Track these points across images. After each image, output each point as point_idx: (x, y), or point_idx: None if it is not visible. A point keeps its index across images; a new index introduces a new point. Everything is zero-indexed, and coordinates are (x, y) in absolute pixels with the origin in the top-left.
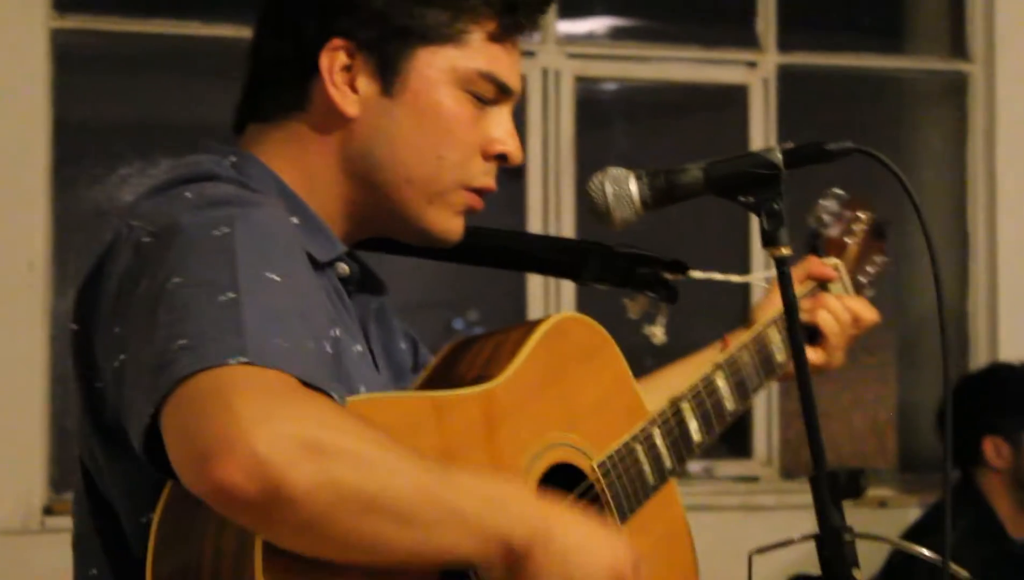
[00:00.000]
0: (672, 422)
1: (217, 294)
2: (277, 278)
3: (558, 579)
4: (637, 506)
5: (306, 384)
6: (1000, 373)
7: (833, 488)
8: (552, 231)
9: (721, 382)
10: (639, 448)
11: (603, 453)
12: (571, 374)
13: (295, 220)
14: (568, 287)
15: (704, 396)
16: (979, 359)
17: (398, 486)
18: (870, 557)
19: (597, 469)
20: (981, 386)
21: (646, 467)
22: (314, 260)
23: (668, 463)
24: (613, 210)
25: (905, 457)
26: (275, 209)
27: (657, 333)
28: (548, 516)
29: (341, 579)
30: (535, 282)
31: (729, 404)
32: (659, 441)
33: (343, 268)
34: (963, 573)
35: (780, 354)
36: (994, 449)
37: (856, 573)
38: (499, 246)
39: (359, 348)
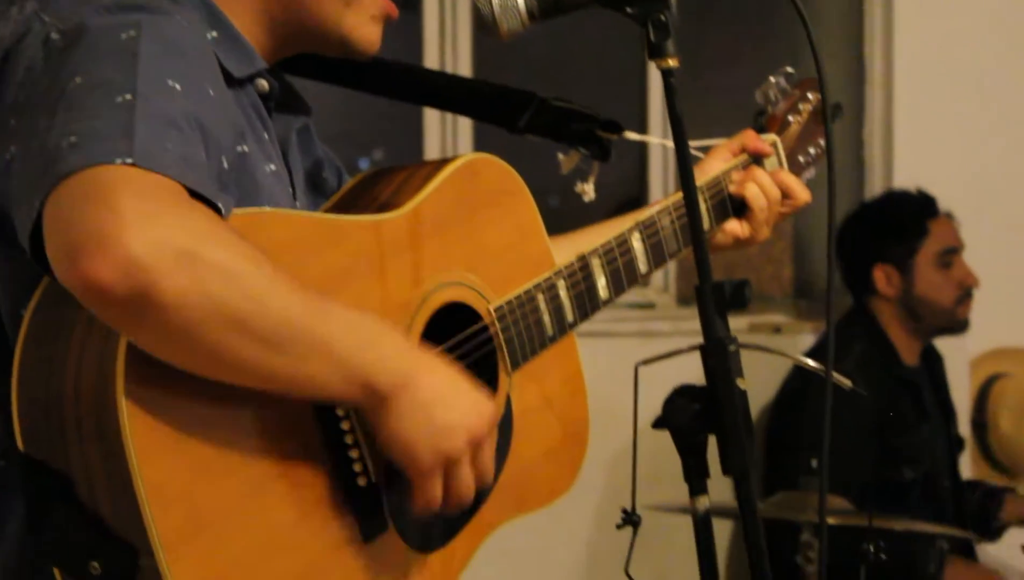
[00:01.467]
0: (579, 276)
1: (114, 95)
2: (178, 87)
3: (417, 428)
4: (531, 355)
5: (193, 194)
6: (893, 201)
7: (718, 299)
8: (448, 64)
9: (636, 243)
10: (540, 297)
11: (502, 298)
12: (478, 215)
13: (214, 33)
14: (464, 135)
15: (616, 254)
16: (875, 188)
17: (270, 309)
18: (763, 390)
19: (493, 312)
20: (874, 214)
21: (545, 317)
22: (230, 75)
23: (570, 317)
24: (500, 21)
25: (800, 284)
26: (189, 20)
27: (588, 190)
28: (417, 364)
29: (203, 396)
30: (432, 125)
31: (642, 266)
32: (563, 293)
33: (262, 84)
34: (845, 382)
35: (704, 222)
36: (885, 277)
37: (740, 382)
38: (436, 86)
39: (272, 167)
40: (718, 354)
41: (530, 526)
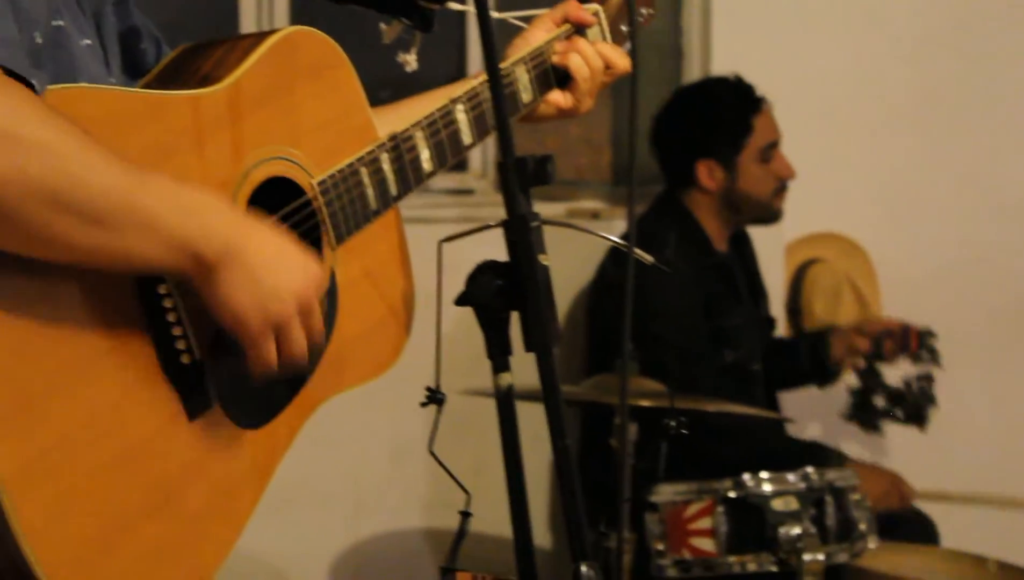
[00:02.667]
0: (402, 149)
1: None
2: None
3: (246, 294)
4: (355, 229)
5: (6, 72)
6: (715, 93)
7: (521, 175)
8: None
9: (460, 115)
10: (363, 171)
11: (325, 172)
12: (299, 89)
13: None
14: (281, 9)
15: (440, 127)
16: (692, 75)
17: (90, 184)
18: (584, 274)
19: (316, 187)
20: (697, 106)
21: (369, 191)
22: None
23: (394, 190)
24: None
25: (618, 171)
26: None
27: (410, 61)
28: (243, 231)
29: (21, 274)
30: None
31: (466, 138)
32: (386, 166)
33: None
34: (648, 258)
35: (526, 94)
36: (708, 172)
37: (543, 258)
38: None
39: (88, 41)
40: (520, 230)
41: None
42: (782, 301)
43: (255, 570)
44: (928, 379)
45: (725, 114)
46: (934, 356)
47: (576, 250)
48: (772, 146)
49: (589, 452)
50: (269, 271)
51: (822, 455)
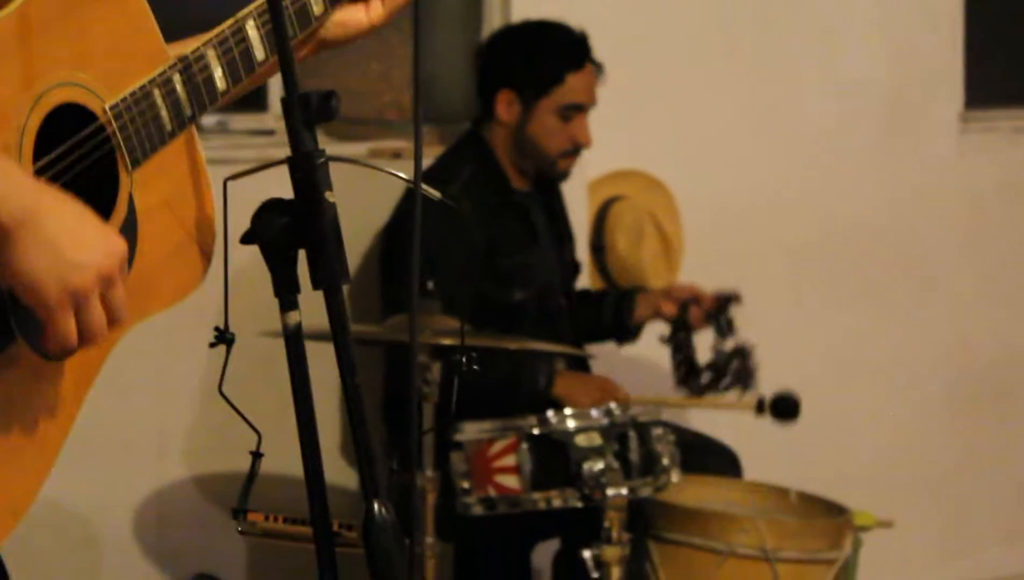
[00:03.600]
0: (194, 68)
1: None
2: None
3: (43, 265)
4: (151, 152)
5: None
6: (547, 34)
7: (305, 110)
8: None
9: (252, 31)
10: (156, 92)
11: (117, 96)
12: (86, 11)
13: None
14: None
15: (232, 44)
16: (493, 16)
17: None
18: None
19: (109, 111)
20: (523, 39)
21: (163, 113)
22: None
23: (188, 110)
24: None
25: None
26: None
27: None
28: (39, 199)
29: None
30: None
31: (259, 53)
32: (179, 87)
33: None
34: (435, 194)
35: (317, 6)
36: (506, 104)
37: (328, 195)
38: None
39: None
40: (305, 167)
41: (142, 351)
42: (586, 239)
43: (59, 518)
44: (743, 354)
45: (545, 55)
46: (729, 326)
47: (379, 190)
48: (576, 108)
49: (395, 393)
50: (69, 243)
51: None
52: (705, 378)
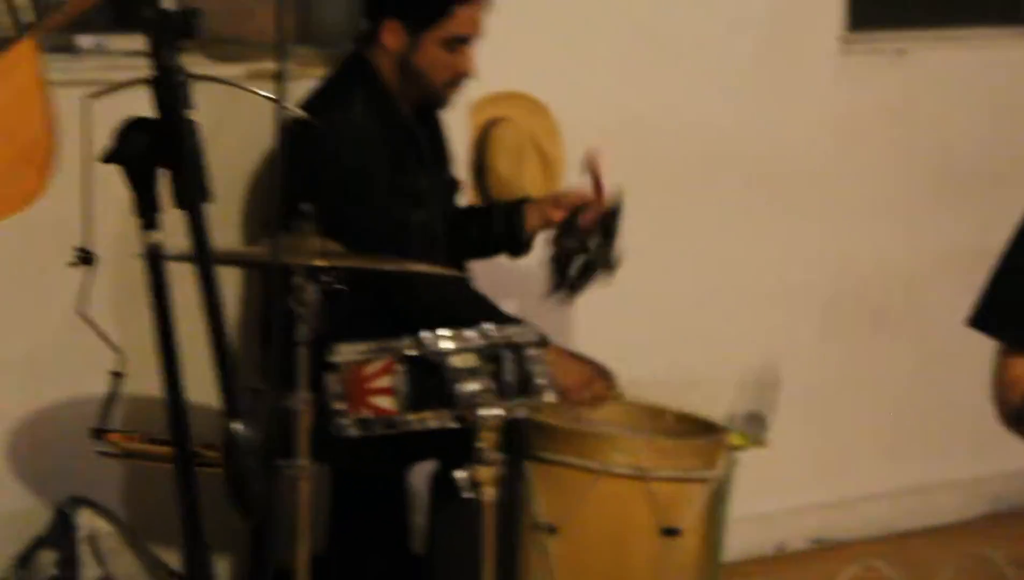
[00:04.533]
0: None
1: None
2: None
3: None
4: None
5: None
6: None
7: (167, 28)
8: None
9: None
10: None
11: None
12: None
13: None
14: None
15: None
16: None
17: None
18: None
19: None
20: None
21: None
22: None
23: (27, 17)
24: None
25: (302, 31)
26: None
27: None
28: None
29: None
30: None
31: None
32: None
33: None
34: (301, 113)
35: None
36: (392, 32)
37: (191, 114)
38: None
39: None
40: (166, 85)
41: (15, 273)
42: (466, 160)
43: None
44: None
45: None
46: (612, 231)
47: (264, 113)
48: (462, 41)
49: (274, 315)
50: None
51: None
52: (571, 282)
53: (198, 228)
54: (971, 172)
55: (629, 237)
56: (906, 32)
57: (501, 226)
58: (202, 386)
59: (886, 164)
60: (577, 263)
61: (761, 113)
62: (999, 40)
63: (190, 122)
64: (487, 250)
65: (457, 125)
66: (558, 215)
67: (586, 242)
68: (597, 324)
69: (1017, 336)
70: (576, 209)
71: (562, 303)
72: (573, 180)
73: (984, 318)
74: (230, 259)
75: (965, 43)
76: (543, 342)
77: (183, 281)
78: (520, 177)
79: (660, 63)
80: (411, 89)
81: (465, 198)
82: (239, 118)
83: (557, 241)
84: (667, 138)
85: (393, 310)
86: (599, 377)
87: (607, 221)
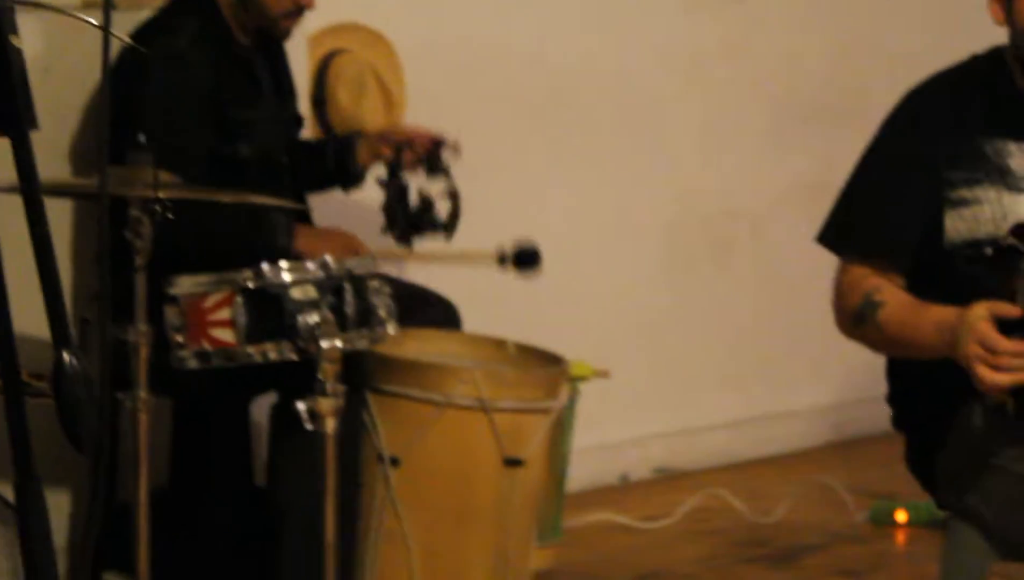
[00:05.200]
0: None
1: None
2: None
3: None
4: None
5: None
6: None
7: None
8: None
9: None
10: None
11: None
12: None
13: None
14: None
15: None
16: None
17: None
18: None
19: None
20: None
21: None
22: None
23: None
24: None
25: None
26: None
27: None
28: None
29: None
30: None
31: None
32: None
33: None
34: (127, 40)
35: None
36: None
37: (14, 40)
38: None
39: None
40: None
41: None
42: (307, 93)
43: None
44: (452, 197)
45: None
46: (438, 168)
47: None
48: None
49: (114, 247)
50: None
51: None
52: (408, 222)
53: (24, 155)
54: (814, 107)
55: (476, 170)
56: None
57: (332, 160)
58: (33, 316)
59: (729, 99)
60: (408, 206)
61: (606, 46)
62: None
63: (14, 48)
64: (321, 183)
65: (299, 57)
66: (386, 150)
67: (399, 180)
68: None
69: (858, 250)
70: (402, 145)
71: (400, 243)
72: (414, 111)
73: (829, 235)
74: (60, 191)
75: None
76: (291, 234)
77: (12, 212)
78: (360, 109)
79: None
80: (249, 20)
81: (307, 131)
82: (77, 49)
83: (386, 179)
84: (510, 70)
85: (247, 243)
86: (355, 245)
87: (432, 159)
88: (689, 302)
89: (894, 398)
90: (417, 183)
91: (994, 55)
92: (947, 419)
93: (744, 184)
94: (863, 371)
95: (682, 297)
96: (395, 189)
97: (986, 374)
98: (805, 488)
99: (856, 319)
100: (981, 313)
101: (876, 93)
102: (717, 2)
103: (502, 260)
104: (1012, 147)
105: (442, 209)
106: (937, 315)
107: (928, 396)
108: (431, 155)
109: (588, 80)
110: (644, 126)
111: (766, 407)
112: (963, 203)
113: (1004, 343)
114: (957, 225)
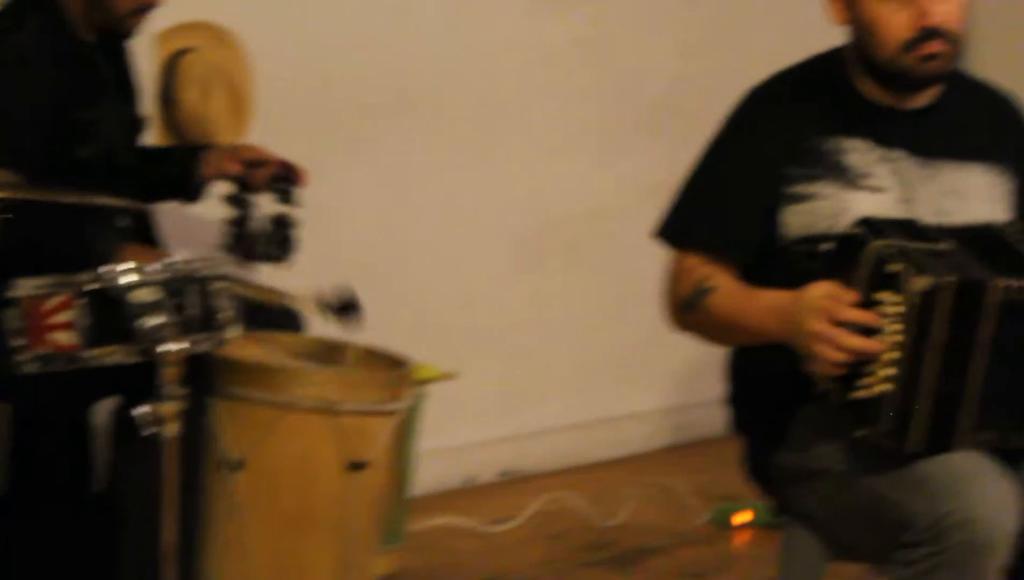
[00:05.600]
0: None
1: None
2: None
3: None
4: None
5: None
6: None
7: None
8: None
9: None
10: None
11: None
12: None
13: None
14: None
15: None
16: None
17: None
18: None
19: None
20: None
21: None
22: None
23: None
24: None
25: None
26: None
27: None
28: None
29: None
30: None
31: None
32: None
33: None
34: None
35: None
36: None
37: None
38: None
39: None
40: None
41: None
42: (154, 92)
43: None
44: (286, 223)
45: None
46: (287, 195)
47: None
48: None
49: None
50: None
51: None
52: (246, 244)
53: None
54: (661, 107)
55: (320, 169)
56: None
57: (176, 169)
58: None
59: (577, 99)
60: (252, 228)
61: (453, 47)
62: None
63: None
64: (161, 193)
65: (144, 55)
66: (234, 167)
67: (245, 200)
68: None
69: (694, 243)
70: (252, 163)
71: (241, 264)
72: (262, 111)
73: (665, 229)
74: None
75: None
76: (114, 248)
77: None
78: (208, 110)
79: None
80: (94, 16)
81: (152, 132)
82: None
83: (231, 197)
84: (359, 70)
85: (71, 252)
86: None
87: (281, 183)
88: (537, 304)
89: (733, 400)
90: (263, 206)
91: (833, 55)
92: (784, 422)
93: (592, 184)
94: (707, 373)
95: (529, 299)
96: (240, 208)
97: (824, 350)
98: (649, 491)
99: (686, 306)
100: (823, 291)
101: (723, 93)
102: (564, 1)
103: (323, 309)
104: (849, 144)
105: (279, 235)
106: (769, 298)
107: (766, 399)
108: (279, 179)
109: (436, 80)
110: (492, 127)
111: (611, 410)
112: (801, 198)
113: (851, 312)
114: (794, 220)
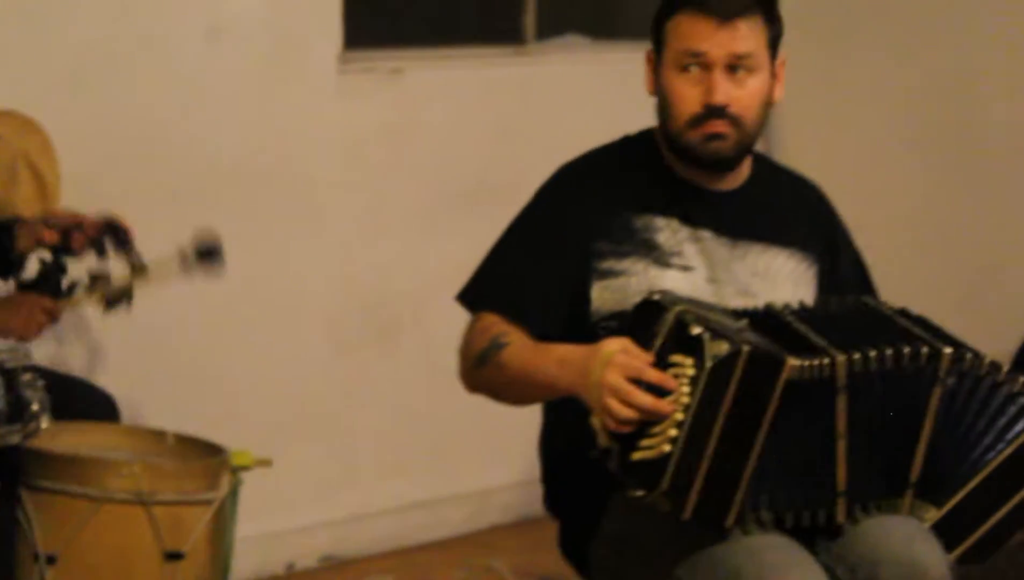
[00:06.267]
0: None
1: None
2: None
3: None
4: None
5: None
6: None
7: None
8: None
9: None
10: None
11: None
12: None
13: None
14: None
15: None
16: None
17: None
18: None
19: None
20: None
21: None
22: None
23: None
24: None
25: None
26: None
27: None
28: None
29: None
30: None
31: None
32: None
33: None
34: None
35: None
36: None
37: None
38: None
39: None
40: None
41: None
42: None
43: None
44: (103, 280)
45: None
46: (126, 248)
47: None
48: None
49: None
50: None
51: None
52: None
53: None
54: (473, 188)
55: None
56: (402, 51)
57: None
58: None
59: (387, 182)
60: (80, 287)
61: (263, 130)
62: (498, 59)
63: None
64: None
65: None
66: (51, 236)
67: (63, 265)
68: (104, 344)
69: (494, 306)
70: (69, 229)
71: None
72: (68, 201)
73: (467, 293)
74: None
75: (462, 62)
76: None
77: None
78: (13, 198)
79: (157, 79)
80: None
81: None
82: None
83: (53, 263)
84: (169, 153)
85: None
86: (38, 302)
87: (99, 241)
88: (354, 387)
89: (545, 479)
90: (88, 264)
91: (648, 134)
92: (599, 504)
93: (405, 268)
94: (530, 453)
95: (346, 382)
96: (50, 270)
97: (613, 405)
98: (471, 572)
99: (478, 361)
100: (620, 346)
101: (538, 173)
102: (370, 84)
103: (183, 263)
104: (660, 222)
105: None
106: (562, 351)
107: (579, 479)
108: (103, 237)
109: (247, 166)
110: (304, 213)
111: (433, 491)
112: (611, 274)
113: (648, 370)
114: (604, 296)
